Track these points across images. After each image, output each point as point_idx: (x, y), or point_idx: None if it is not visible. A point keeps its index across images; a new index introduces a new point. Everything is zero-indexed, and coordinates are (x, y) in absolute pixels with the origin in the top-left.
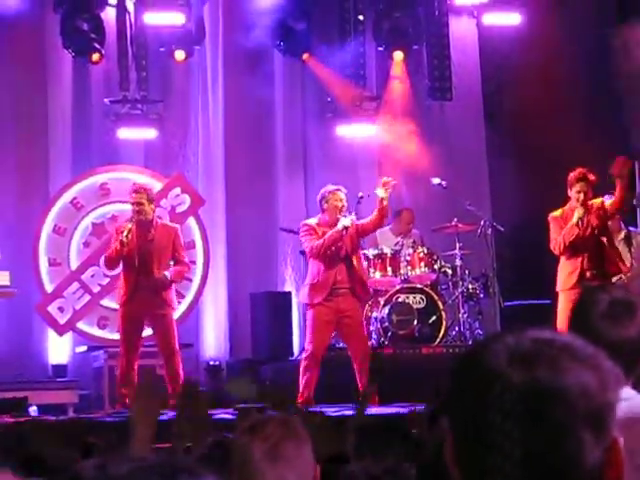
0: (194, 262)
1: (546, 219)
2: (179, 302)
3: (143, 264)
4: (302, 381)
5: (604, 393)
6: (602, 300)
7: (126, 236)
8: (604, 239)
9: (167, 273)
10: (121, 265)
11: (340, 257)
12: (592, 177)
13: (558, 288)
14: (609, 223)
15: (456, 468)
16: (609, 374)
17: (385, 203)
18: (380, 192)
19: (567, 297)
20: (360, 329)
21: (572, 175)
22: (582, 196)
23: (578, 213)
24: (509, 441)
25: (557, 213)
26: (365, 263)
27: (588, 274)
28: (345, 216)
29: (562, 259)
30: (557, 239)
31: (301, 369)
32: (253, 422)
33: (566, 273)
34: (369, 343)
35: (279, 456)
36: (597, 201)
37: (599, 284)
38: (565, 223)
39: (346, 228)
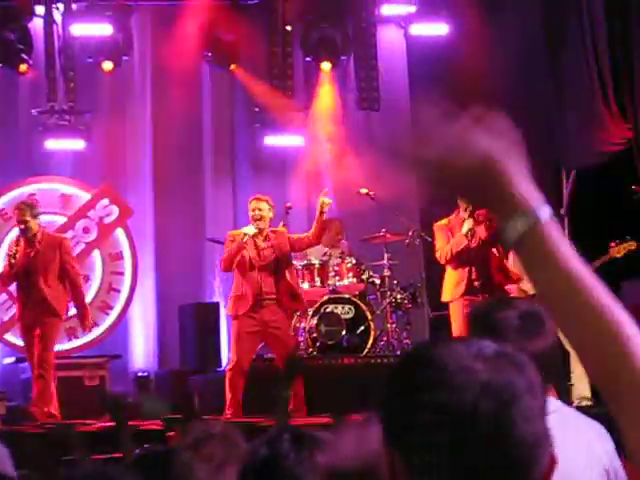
0: (122, 273)
1: None
2: (107, 313)
3: (28, 279)
4: (228, 393)
5: (533, 397)
6: (511, 316)
7: (14, 256)
8: (492, 249)
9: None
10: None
11: (266, 268)
12: None
13: (445, 298)
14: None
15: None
16: (535, 379)
17: (325, 216)
18: (326, 200)
19: (457, 307)
20: (287, 339)
21: None
22: (471, 207)
23: (468, 224)
24: (483, 433)
25: (443, 222)
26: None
27: (475, 284)
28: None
29: (448, 269)
30: (444, 248)
31: (226, 380)
32: (196, 438)
33: (453, 283)
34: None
35: (220, 478)
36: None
37: (501, 298)
38: (451, 232)
39: (244, 235)
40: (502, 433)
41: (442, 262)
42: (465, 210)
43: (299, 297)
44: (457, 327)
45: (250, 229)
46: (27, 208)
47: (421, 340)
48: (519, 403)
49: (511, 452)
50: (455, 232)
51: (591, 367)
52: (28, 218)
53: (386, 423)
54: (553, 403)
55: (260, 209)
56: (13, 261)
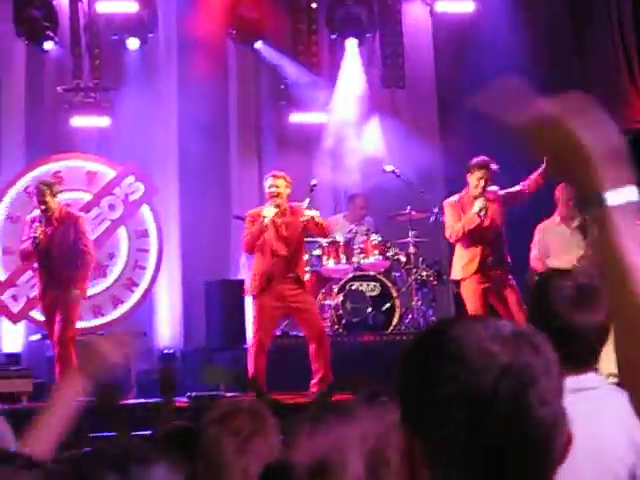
0: (148, 250)
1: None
2: (133, 291)
3: (48, 258)
4: (251, 369)
5: (550, 378)
6: (567, 286)
7: (38, 236)
8: (502, 228)
9: (76, 293)
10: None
11: (284, 246)
12: (494, 166)
13: (456, 276)
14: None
15: (422, 466)
16: (552, 359)
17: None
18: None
19: (469, 285)
20: (311, 312)
21: (474, 162)
22: (482, 183)
23: (479, 203)
24: (502, 414)
25: (454, 199)
26: (319, 251)
27: (488, 261)
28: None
29: (458, 247)
30: (454, 226)
31: (249, 357)
32: (223, 412)
33: (465, 261)
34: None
35: (248, 450)
36: (491, 189)
37: (561, 270)
38: (462, 210)
39: (264, 218)
40: (520, 415)
41: (452, 240)
42: (476, 187)
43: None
44: (471, 305)
45: (269, 211)
46: (46, 188)
47: (438, 319)
48: (537, 385)
49: (529, 433)
50: (466, 210)
51: (621, 360)
52: (48, 198)
53: (403, 400)
54: (596, 379)
55: (277, 186)
56: (36, 239)
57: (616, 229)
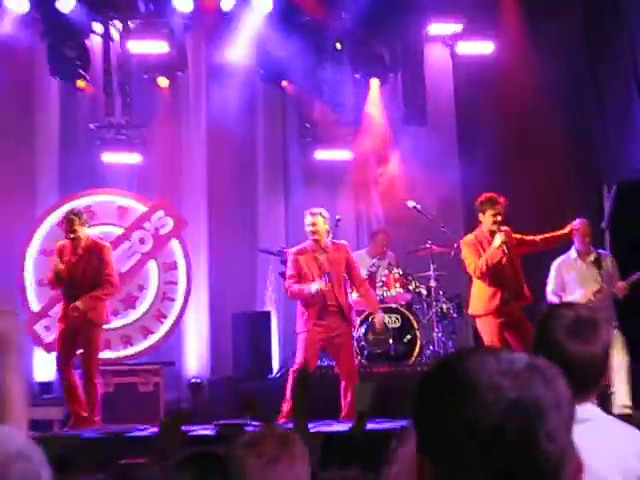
0: (176, 283)
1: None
2: (162, 322)
3: (70, 287)
4: (289, 393)
5: (559, 411)
6: (567, 316)
7: (58, 267)
8: (519, 262)
9: (79, 304)
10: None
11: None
12: (502, 200)
13: (475, 312)
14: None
15: None
16: (563, 392)
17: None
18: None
19: (488, 321)
20: (349, 347)
21: (483, 199)
22: (498, 218)
23: (500, 237)
24: (508, 448)
25: (470, 237)
26: None
27: (506, 296)
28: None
29: (479, 283)
30: (477, 262)
31: (289, 381)
32: (252, 437)
33: (487, 297)
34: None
35: (272, 473)
36: (504, 228)
37: (565, 303)
38: (482, 247)
39: (316, 291)
40: (528, 448)
41: (476, 276)
42: (493, 224)
43: (352, 310)
44: (487, 339)
45: (317, 285)
46: (75, 217)
47: (451, 352)
48: (545, 420)
49: (537, 465)
50: (485, 246)
51: None
52: (77, 227)
53: (418, 428)
54: (591, 410)
55: (315, 223)
56: (57, 272)
57: None
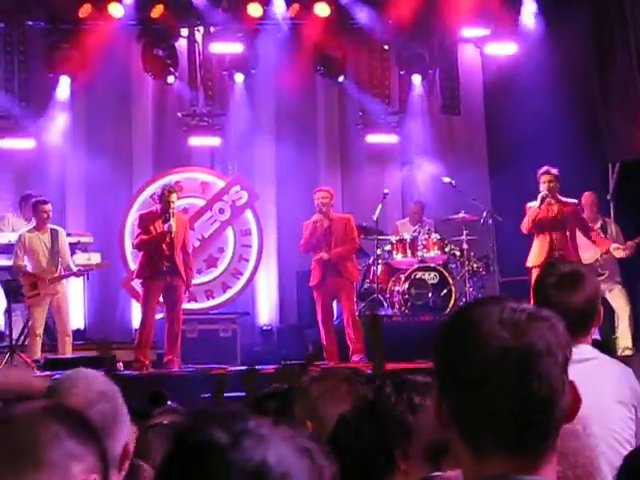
0: (250, 246)
1: None
2: (238, 278)
3: (163, 249)
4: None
5: (551, 356)
6: (554, 273)
7: (153, 228)
8: (572, 227)
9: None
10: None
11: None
12: (554, 171)
13: (528, 264)
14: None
15: (448, 424)
16: (560, 339)
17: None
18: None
19: (536, 273)
20: (349, 300)
21: (539, 172)
22: (546, 185)
23: (541, 195)
24: (503, 388)
25: (532, 203)
26: (389, 247)
27: (556, 253)
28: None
29: (535, 237)
30: (525, 219)
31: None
32: (315, 374)
33: (537, 250)
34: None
35: (329, 404)
36: (570, 201)
37: (555, 261)
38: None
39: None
40: (519, 388)
41: (523, 231)
42: (544, 189)
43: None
44: None
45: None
46: (173, 190)
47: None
48: (537, 364)
49: (528, 402)
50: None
51: None
52: (173, 199)
53: (435, 368)
54: (589, 351)
55: (317, 198)
56: (153, 231)
57: None
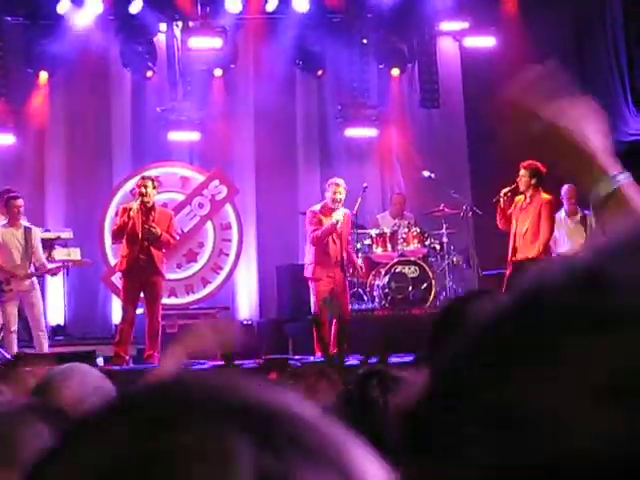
0: (230, 240)
1: None
2: (218, 273)
3: (142, 244)
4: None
5: None
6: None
7: (134, 210)
8: (533, 223)
9: (158, 230)
10: (124, 240)
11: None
12: (528, 165)
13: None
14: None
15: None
16: None
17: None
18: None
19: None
20: (345, 295)
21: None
22: (518, 181)
23: (502, 192)
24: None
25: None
26: (369, 241)
27: (517, 246)
28: (338, 209)
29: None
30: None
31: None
32: (295, 369)
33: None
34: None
35: (311, 399)
36: (544, 197)
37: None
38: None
39: (338, 222)
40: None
41: (500, 227)
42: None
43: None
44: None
45: (339, 215)
46: (148, 178)
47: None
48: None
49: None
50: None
51: None
52: (149, 188)
53: (430, 357)
54: None
55: (339, 192)
56: (132, 214)
57: (634, 197)
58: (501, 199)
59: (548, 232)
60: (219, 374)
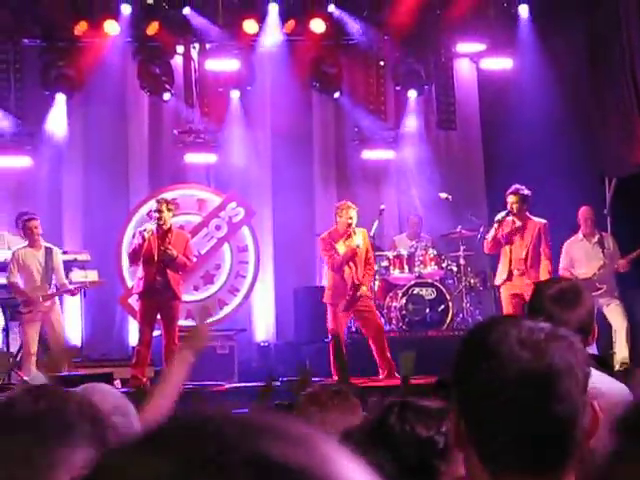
0: (247, 262)
1: None
2: (235, 295)
3: (157, 266)
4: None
5: (571, 376)
6: (553, 287)
7: (148, 232)
8: (533, 247)
9: (175, 252)
10: (141, 262)
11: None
12: (524, 192)
13: (496, 282)
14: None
15: (466, 444)
16: (579, 357)
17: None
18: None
19: (503, 290)
20: (373, 316)
21: (507, 191)
22: (509, 206)
23: (499, 216)
24: (524, 409)
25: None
26: (386, 263)
27: (515, 272)
28: (354, 234)
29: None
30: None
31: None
32: (312, 390)
33: (500, 269)
34: (385, 327)
35: (326, 419)
36: (539, 221)
37: (555, 278)
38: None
39: (358, 246)
40: (539, 409)
41: (485, 251)
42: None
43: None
44: (505, 308)
45: (358, 240)
46: (164, 201)
47: (482, 320)
48: (556, 385)
49: (548, 423)
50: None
51: None
52: (164, 211)
53: (454, 386)
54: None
55: (352, 217)
56: (147, 235)
57: None
58: (496, 225)
59: (551, 255)
60: (250, 417)
